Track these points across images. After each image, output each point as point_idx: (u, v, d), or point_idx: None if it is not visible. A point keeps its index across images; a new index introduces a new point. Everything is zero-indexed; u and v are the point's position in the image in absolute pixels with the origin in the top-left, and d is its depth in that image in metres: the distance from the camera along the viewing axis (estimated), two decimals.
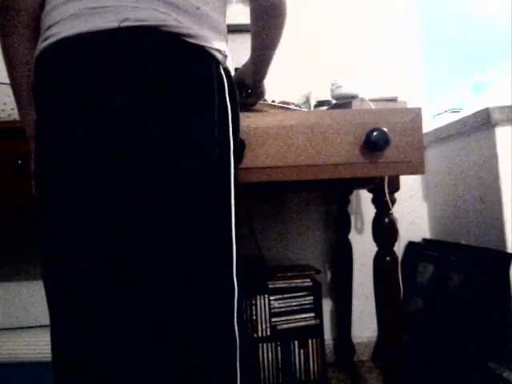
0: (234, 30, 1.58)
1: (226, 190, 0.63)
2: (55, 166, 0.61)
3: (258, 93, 0.98)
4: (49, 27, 0.61)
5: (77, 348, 0.61)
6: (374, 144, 0.93)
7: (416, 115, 0.97)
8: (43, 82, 0.62)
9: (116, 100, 0.57)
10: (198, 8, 0.62)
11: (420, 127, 0.97)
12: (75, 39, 0.58)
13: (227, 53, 0.67)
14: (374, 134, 0.93)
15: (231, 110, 0.65)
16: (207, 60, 0.62)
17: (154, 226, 0.59)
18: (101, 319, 0.61)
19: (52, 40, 0.59)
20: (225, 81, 0.65)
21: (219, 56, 0.64)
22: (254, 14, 0.77)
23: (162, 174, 0.58)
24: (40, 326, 1.47)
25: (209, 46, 0.62)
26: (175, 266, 0.59)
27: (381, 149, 0.94)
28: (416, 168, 0.97)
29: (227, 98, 0.64)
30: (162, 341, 0.60)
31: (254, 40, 0.83)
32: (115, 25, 0.57)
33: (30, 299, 1.57)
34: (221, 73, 0.64)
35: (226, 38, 0.69)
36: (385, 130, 0.93)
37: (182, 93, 0.59)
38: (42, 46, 0.61)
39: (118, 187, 0.59)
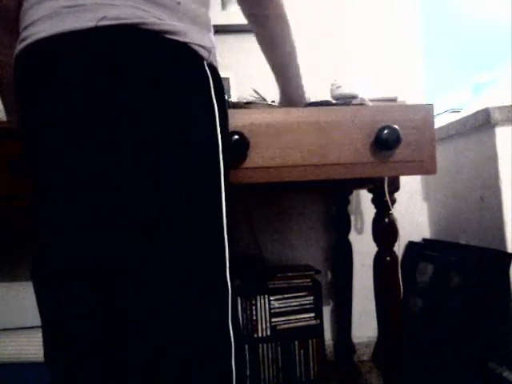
0: (234, 30, 1.58)
1: (217, 190, 0.62)
2: (39, 166, 0.61)
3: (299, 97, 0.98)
4: (26, 27, 0.59)
5: (69, 347, 0.61)
6: (384, 142, 0.89)
7: (427, 112, 0.93)
8: (22, 83, 0.60)
9: (95, 101, 0.56)
10: (179, 3, 0.60)
11: (432, 125, 0.93)
12: (51, 40, 0.56)
13: (211, 45, 0.64)
14: (385, 131, 0.88)
15: (218, 107, 0.63)
16: (190, 57, 0.60)
17: (144, 226, 0.58)
18: (93, 319, 0.61)
19: (29, 41, 0.58)
20: (210, 78, 0.62)
21: (203, 52, 0.62)
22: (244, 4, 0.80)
23: (148, 176, 0.57)
24: (40, 327, 1.46)
25: (191, 42, 0.60)
26: (167, 267, 0.58)
27: (392, 147, 0.90)
28: (427, 168, 0.93)
29: (213, 96, 0.62)
30: (156, 341, 0.59)
31: (258, 35, 0.83)
32: (92, 24, 0.55)
33: (29, 299, 1.57)
34: (205, 70, 0.62)
35: (210, 30, 0.66)
36: (396, 127, 0.89)
37: (163, 94, 0.57)
38: (19, 47, 0.60)
39: (105, 189, 0.58)
